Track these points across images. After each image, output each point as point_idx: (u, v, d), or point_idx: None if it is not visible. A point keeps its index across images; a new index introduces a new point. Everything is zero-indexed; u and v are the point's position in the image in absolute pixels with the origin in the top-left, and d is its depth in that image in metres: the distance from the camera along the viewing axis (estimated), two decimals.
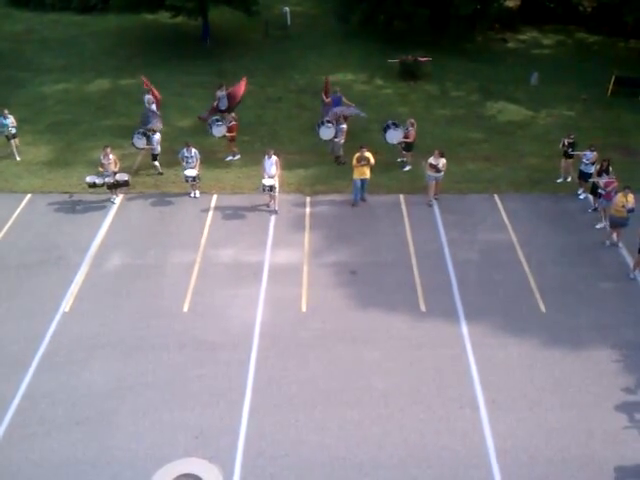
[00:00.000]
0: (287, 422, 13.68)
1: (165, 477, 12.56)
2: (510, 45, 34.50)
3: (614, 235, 19.20)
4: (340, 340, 15.80)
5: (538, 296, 17.21)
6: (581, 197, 21.35)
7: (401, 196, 21.26)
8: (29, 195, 21.36)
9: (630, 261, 18.37)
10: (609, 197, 19.40)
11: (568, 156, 21.52)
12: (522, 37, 35.52)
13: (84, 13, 37.33)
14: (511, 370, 14.99)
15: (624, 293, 17.40)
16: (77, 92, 28.68)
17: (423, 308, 16.84)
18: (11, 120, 22.74)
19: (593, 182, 20.28)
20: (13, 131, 22.84)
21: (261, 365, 15.06)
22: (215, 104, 24.97)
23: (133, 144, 22.38)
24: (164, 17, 34.79)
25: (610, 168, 19.77)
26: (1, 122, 22.61)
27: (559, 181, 22.08)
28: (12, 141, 23.02)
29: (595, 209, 20.59)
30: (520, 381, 14.70)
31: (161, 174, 22.48)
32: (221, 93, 24.91)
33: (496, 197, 21.22)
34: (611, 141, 24.71)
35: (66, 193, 21.45)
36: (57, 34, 34.88)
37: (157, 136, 22.38)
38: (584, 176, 20.96)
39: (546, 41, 35.10)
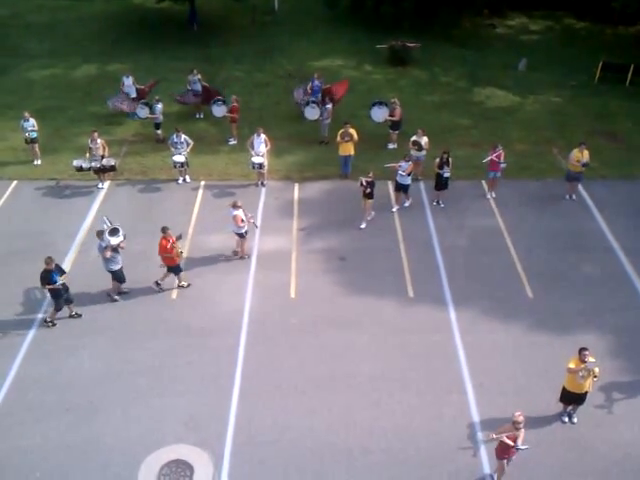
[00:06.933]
0: (276, 408, 13.74)
1: (155, 463, 12.60)
2: (498, 31, 34.54)
3: (571, 189, 20.50)
4: (329, 326, 15.86)
5: (525, 281, 17.33)
6: (393, 210, 19.96)
7: (389, 182, 21.27)
8: (15, 182, 21.21)
9: (617, 247, 18.60)
10: (496, 168, 20.10)
11: (368, 196, 19.00)
12: (510, 23, 35.57)
13: None
14: (498, 355, 15.12)
15: (610, 278, 17.56)
16: (64, 78, 28.47)
17: (411, 294, 16.92)
18: (32, 123, 21.59)
19: (437, 174, 19.77)
20: (33, 135, 21.65)
21: (250, 351, 15.10)
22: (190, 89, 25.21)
23: (136, 115, 23.51)
24: (150, 1, 34.62)
25: (450, 159, 19.63)
26: (21, 125, 21.65)
27: (362, 226, 19.33)
28: (31, 145, 21.85)
29: (438, 202, 20.36)
30: (507, 366, 14.84)
31: (162, 141, 22.88)
32: (192, 78, 25.00)
33: (483, 183, 21.26)
34: (598, 127, 24.85)
35: (53, 180, 21.34)
36: (43, 19, 34.55)
37: (160, 105, 23.02)
38: (402, 188, 19.83)
39: (534, 27, 35.14)
